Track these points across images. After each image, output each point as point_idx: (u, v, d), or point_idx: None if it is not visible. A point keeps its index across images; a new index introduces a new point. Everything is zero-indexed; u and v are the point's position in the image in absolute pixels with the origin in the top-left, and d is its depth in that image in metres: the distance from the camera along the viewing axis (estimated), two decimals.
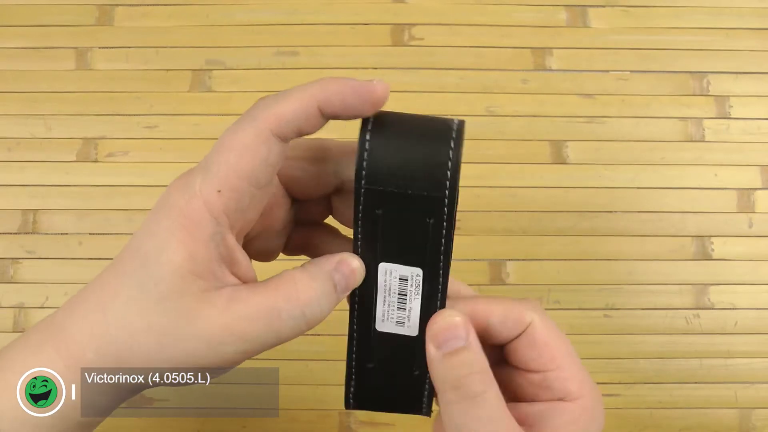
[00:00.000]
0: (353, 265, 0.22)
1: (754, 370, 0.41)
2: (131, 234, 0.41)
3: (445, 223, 0.22)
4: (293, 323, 0.21)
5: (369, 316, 0.24)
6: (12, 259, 0.42)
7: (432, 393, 0.25)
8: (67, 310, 0.22)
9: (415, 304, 0.23)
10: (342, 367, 0.26)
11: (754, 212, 0.43)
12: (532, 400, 0.23)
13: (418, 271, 0.23)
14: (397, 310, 0.23)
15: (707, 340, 0.41)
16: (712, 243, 0.43)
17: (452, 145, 0.21)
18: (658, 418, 0.41)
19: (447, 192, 0.22)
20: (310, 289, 0.21)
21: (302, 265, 0.23)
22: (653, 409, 0.41)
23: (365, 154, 0.21)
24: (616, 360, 0.41)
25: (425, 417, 0.25)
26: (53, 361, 0.21)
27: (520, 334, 0.23)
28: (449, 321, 0.22)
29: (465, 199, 0.43)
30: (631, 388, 0.41)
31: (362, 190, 0.22)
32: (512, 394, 0.24)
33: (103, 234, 0.42)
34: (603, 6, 0.46)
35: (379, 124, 0.22)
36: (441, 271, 0.23)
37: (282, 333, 0.21)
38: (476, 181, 0.43)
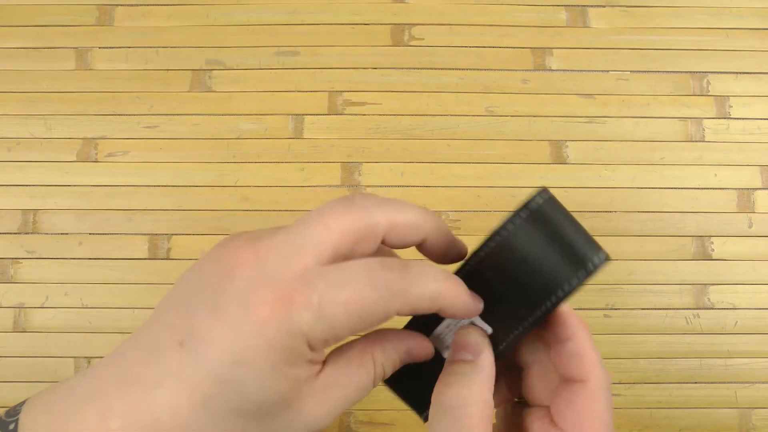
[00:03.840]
0: (425, 349, 0.24)
1: (754, 370, 0.41)
2: (131, 234, 0.42)
3: (526, 323, 0.23)
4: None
5: (431, 325, 0.25)
6: (12, 259, 0.42)
7: None
8: (128, 416, 0.20)
9: None
10: None
11: (754, 212, 0.43)
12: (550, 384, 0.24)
13: (487, 328, 0.24)
14: (450, 339, 0.25)
15: (707, 340, 0.41)
16: (712, 243, 0.43)
17: (578, 278, 0.22)
18: (658, 418, 0.41)
19: (540, 310, 0.23)
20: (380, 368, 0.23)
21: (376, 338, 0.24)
22: (653, 409, 0.41)
23: (512, 226, 0.23)
24: (616, 360, 0.41)
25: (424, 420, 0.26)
26: None
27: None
28: (470, 337, 0.23)
29: (465, 199, 0.43)
30: (631, 388, 0.41)
31: (493, 245, 0.23)
32: (540, 375, 0.25)
33: (103, 234, 0.42)
34: (603, 6, 0.46)
35: (542, 213, 0.23)
36: (501, 346, 0.24)
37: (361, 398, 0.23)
38: (476, 181, 0.43)
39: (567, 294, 0.22)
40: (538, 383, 0.25)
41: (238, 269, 0.20)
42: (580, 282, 0.22)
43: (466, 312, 0.22)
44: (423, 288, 0.20)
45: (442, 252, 0.24)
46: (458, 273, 0.24)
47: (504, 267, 0.23)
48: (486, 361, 0.23)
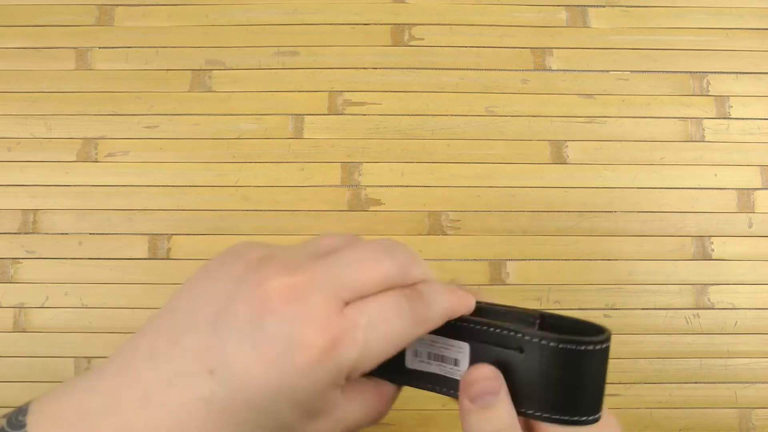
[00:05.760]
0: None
1: (754, 370, 0.41)
2: (131, 234, 0.42)
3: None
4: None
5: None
6: (12, 259, 0.42)
7: None
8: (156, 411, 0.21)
9: (433, 368, 0.25)
10: None
11: (754, 212, 0.43)
12: None
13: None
14: (426, 354, 0.25)
15: (707, 340, 0.41)
16: (712, 243, 0.43)
17: (557, 419, 0.23)
18: (658, 418, 0.41)
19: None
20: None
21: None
22: (653, 409, 0.41)
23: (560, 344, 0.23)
24: (616, 360, 0.41)
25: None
26: None
27: None
28: (485, 374, 0.23)
29: (465, 199, 0.43)
30: (631, 388, 0.41)
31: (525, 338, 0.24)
32: None
33: (103, 234, 0.42)
34: (603, 6, 0.46)
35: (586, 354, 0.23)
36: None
37: None
38: (476, 181, 0.43)
39: (540, 419, 0.23)
40: None
41: (278, 304, 0.20)
42: (556, 420, 0.23)
43: (469, 310, 0.24)
44: (438, 309, 0.23)
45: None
46: (480, 320, 0.25)
47: (524, 361, 0.23)
48: (506, 394, 0.23)
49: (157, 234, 0.42)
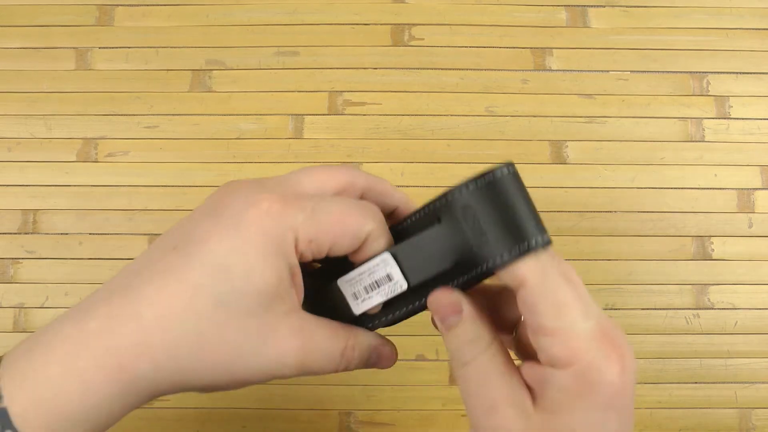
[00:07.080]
0: (391, 356, 0.26)
1: (754, 370, 0.41)
2: (131, 234, 0.42)
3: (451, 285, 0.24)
4: (335, 367, 0.24)
5: (343, 271, 0.25)
6: (12, 259, 0.42)
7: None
8: (107, 318, 0.21)
9: (376, 298, 0.25)
10: None
11: (754, 212, 0.43)
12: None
13: (404, 284, 0.24)
14: (363, 290, 0.25)
15: (707, 340, 0.41)
16: (712, 243, 0.43)
17: (511, 254, 0.21)
18: (658, 418, 0.41)
19: (465, 277, 0.23)
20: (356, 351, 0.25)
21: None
22: (653, 409, 0.41)
23: (466, 191, 0.23)
24: None
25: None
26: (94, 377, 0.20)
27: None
28: (448, 299, 0.24)
29: None
30: None
31: (440, 204, 0.23)
32: (531, 354, 0.23)
33: (103, 234, 0.42)
34: (603, 6, 0.46)
35: (501, 184, 0.22)
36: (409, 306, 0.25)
37: (324, 371, 0.24)
38: None
39: (497, 267, 0.21)
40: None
41: (239, 186, 0.23)
42: (513, 258, 0.21)
43: (405, 203, 0.26)
44: (392, 198, 0.25)
45: None
46: (399, 224, 0.25)
47: (445, 228, 0.23)
48: (470, 311, 0.23)
49: (157, 234, 0.42)
